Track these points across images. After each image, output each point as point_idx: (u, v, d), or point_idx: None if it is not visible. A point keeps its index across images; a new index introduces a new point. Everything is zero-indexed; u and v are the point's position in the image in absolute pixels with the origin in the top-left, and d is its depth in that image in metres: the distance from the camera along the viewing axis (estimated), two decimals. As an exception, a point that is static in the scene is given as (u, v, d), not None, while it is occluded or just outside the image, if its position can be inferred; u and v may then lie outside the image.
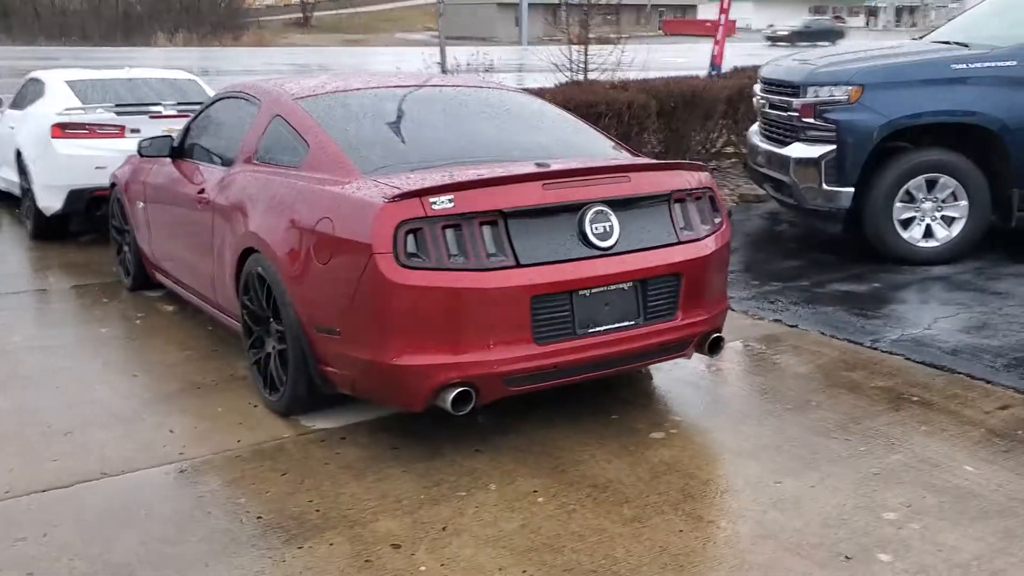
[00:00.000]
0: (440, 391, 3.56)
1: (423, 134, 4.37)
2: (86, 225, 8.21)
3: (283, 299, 3.96)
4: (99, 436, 4.06)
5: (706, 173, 4.24)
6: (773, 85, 7.29)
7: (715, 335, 4.14)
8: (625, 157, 4.45)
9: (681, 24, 73.37)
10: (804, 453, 3.80)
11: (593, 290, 3.72)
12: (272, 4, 78.66)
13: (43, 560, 3.08)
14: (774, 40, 57.27)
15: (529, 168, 3.84)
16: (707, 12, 78.37)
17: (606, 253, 3.75)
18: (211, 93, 8.71)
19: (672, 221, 3.99)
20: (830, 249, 7.21)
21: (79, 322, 5.80)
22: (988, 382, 4.49)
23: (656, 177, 4.00)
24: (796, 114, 6.84)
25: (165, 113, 7.76)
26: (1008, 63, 6.41)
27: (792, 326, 5.45)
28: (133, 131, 7.63)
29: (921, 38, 8.12)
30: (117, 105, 7.75)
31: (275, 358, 4.16)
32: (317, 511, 3.38)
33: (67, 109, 7.67)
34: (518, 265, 3.58)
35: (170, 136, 5.50)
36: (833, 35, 55.39)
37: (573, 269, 3.66)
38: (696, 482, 3.56)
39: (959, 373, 4.63)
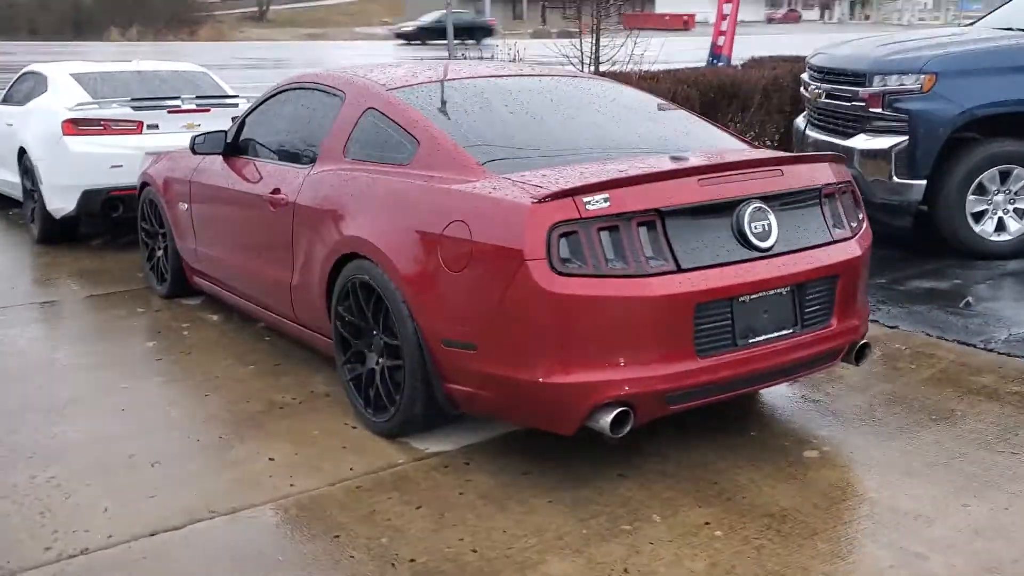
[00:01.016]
0: (596, 411, 3.20)
1: (539, 127, 3.98)
2: (96, 227, 7.69)
3: (399, 311, 3.56)
4: (191, 466, 3.63)
5: (844, 166, 3.92)
6: (831, 74, 6.99)
7: (863, 343, 3.82)
8: (757, 149, 4.11)
9: (640, 18, 73.44)
10: (976, 471, 3.49)
11: (752, 296, 3.38)
12: (227, -2, 77.08)
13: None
14: (407, 38, 47.21)
15: (683, 162, 3.48)
16: (664, 6, 78.73)
17: (766, 254, 3.41)
18: (224, 85, 8.26)
19: (824, 218, 3.66)
20: (891, 243, 6.94)
21: (121, 335, 5.32)
22: None
23: (807, 170, 3.66)
24: (862, 104, 6.55)
25: (184, 107, 7.28)
26: (1084, 50, 6.19)
27: (892, 327, 5.15)
28: (151, 127, 7.16)
29: (972, 24, 7.90)
30: (133, 99, 7.23)
31: (383, 375, 3.76)
32: (474, 551, 3.00)
33: (80, 104, 7.14)
34: (679, 270, 3.22)
35: (223, 131, 5.04)
36: (479, 32, 43.62)
37: (736, 273, 3.32)
38: (880, 508, 3.24)
39: (1095, 375, 4.37)
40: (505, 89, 4.25)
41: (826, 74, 7.10)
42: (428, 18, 46.89)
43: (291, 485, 3.46)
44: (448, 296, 3.40)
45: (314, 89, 4.57)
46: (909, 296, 5.69)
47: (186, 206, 5.40)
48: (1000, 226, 6.43)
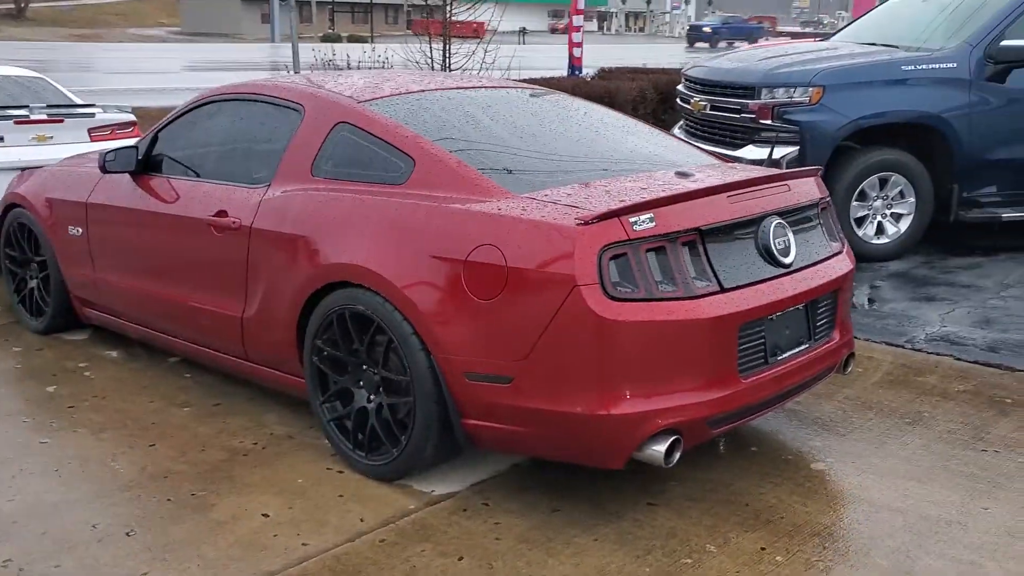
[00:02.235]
0: (647, 442, 3.05)
1: (531, 142, 3.78)
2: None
3: (409, 344, 3.27)
4: (175, 532, 3.18)
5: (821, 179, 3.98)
6: (716, 87, 7.19)
7: (850, 352, 3.88)
8: (735, 162, 4.09)
9: (434, 24, 73.55)
10: (973, 471, 3.63)
11: (779, 313, 3.34)
12: (-23, -7, 70.50)
13: None
14: None
15: (699, 179, 3.41)
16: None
17: (789, 270, 3.39)
18: (68, 93, 7.46)
19: (823, 232, 3.70)
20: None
21: (8, 381, 4.62)
22: (1059, 379, 4.56)
23: (806, 185, 3.68)
24: (751, 115, 6.77)
25: (34, 118, 6.47)
26: (949, 65, 6.66)
27: (820, 332, 5.31)
28: (-6, 139, 6.31)
29: (825, 39, 8.35)
30: (-27, 109, 6.36)
31: (381, 413, 3.44)
32: (545, 604, 2.78)
33: (-95, 115, 6.20)
34: (722, 290, 3.14)
35: (134, 147, 4.49)
36: None
37: (769, 290, 3.27)
38: (913, 517, 3.28)
39: (1020, 371, 4.66)
40: (479, 102, 4.02)
41: (709, 86, 7.28)
42: None
43: (304, 544, 3.09)
44: (474, 326, 3.14)
45: (256, 100, 4.14)
46: (819, 300, 5.90)
47: (80, 230, 4.78)
48: (880, 230, 6.82)
